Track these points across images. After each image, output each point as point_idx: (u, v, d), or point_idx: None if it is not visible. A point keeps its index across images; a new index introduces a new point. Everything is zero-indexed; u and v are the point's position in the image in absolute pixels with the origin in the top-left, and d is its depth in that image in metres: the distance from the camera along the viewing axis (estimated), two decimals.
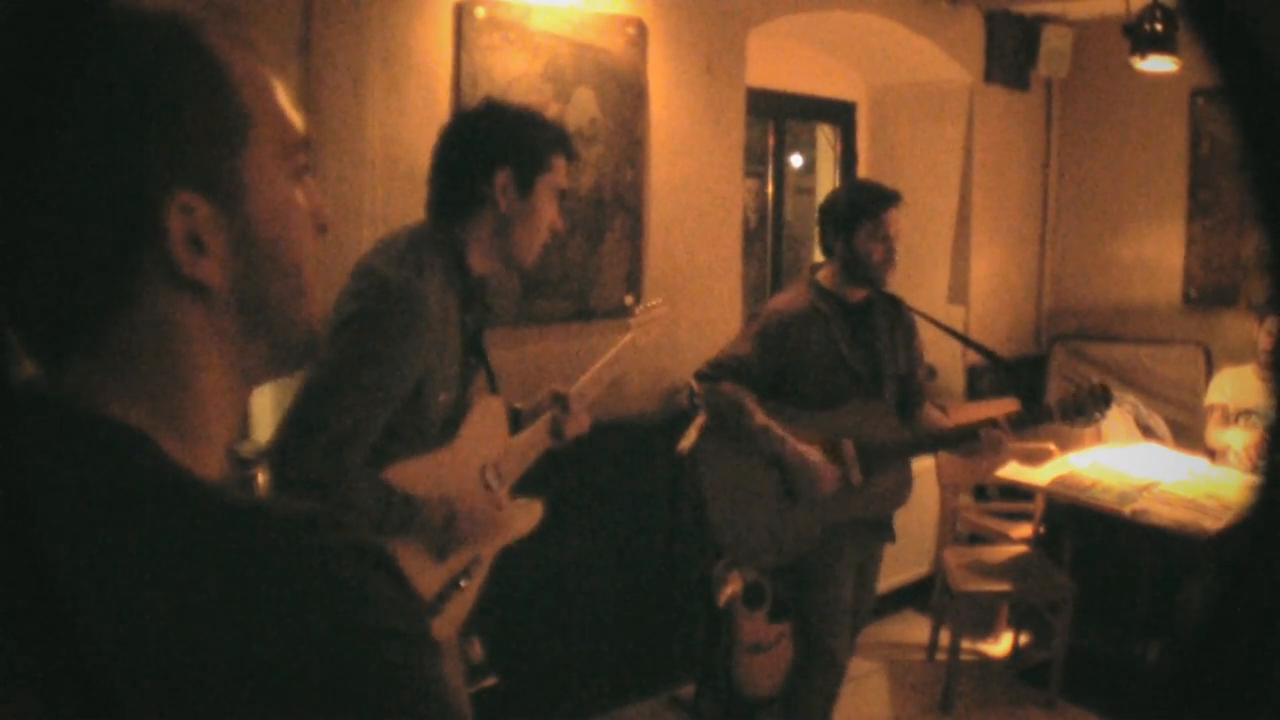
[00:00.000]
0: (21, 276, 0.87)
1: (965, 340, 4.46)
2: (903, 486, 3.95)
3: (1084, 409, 3.83)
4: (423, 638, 0.87)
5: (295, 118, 0.98)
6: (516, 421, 3.01)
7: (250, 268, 0.94)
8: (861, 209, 3.82)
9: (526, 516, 2.98)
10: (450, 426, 2.72)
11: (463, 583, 2.75)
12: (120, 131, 0.85)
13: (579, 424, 3.02)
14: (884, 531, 4.04)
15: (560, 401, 3.01)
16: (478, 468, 2.78)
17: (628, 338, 3.24)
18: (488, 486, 2.78)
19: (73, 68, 0.84)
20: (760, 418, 3.74)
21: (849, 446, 3.80)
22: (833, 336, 3.83)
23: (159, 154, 0.87)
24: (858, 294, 3.90)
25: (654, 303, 3.41)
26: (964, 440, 3.87)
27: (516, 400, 3.11)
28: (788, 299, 3.96)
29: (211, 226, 0.90)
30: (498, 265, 2.77)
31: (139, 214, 0.87)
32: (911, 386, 4.04)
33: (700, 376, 3.92)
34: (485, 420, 2.82)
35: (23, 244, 0.85)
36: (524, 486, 2.98)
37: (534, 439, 2.97)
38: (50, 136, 0.84)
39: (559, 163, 2.76)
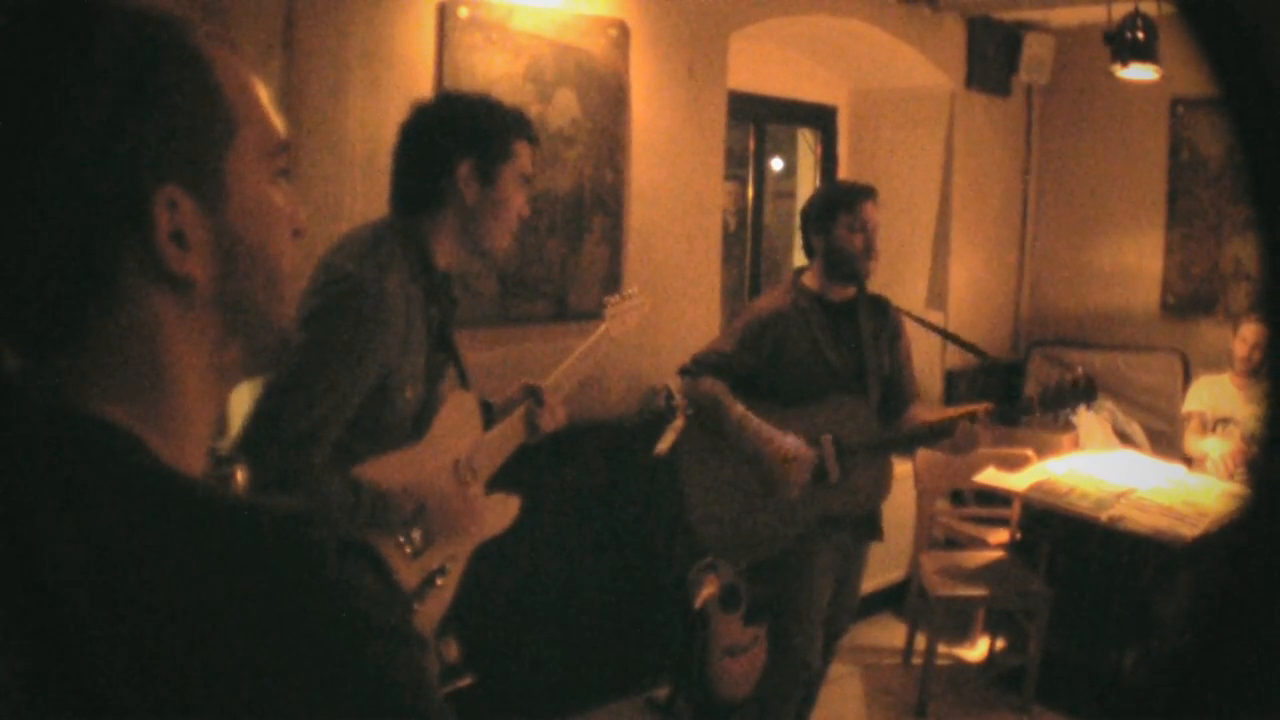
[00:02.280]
0: (8, 270, 0.87)
1: (952, 337, 4.43)
2: (881, 483, 3.96)
3: (1065, 399, 3.79)
4: (409, 633, 0.88)
5: (277, 121, 1.00)
6: (489, 416, 2.99)
7: (231, 266, 0.95)
8: (838, 203, 3.88)
9: (502, 511, 2.95)
10: (421, 422, 2.70)
11: (438, 580, 2.73)
12: (109, 126, 0.86)
13: (554, 417, 2.99)
14: (868, 529, 4.04)
15: (534, 395, 2.99)
16: (450, 462, 2.75)
17: (602, 328, 3.23)
18: (461, 481, 2.76)
19: (63, 64, 0.85)
20: (737, 411, 3.77)
21: (827, 442, 3.81)
22: (814, 334, 3.87)
23: (147, 149, 0.88)
24: (841, 293, 3.93)
25: (630, 292, 3.40)
26: (941, 435, 3.85)
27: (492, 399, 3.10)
28: (770, 299, 4.01)
29: (195, 223, 0.91)
30: (465, 256, 2.75)
31: (126, 206, 0.87)
32: (897, 387, 4.04)
33: (683, 371, 3.96)
34: (457, 415, 2.80)
35: (10, 237, 0.86)
36: (501, 487, 2.97)
37: (508, 433, 2.94)
38: (40, 130, 0.84)
39: (522, 148, 2.73)
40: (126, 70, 0.87)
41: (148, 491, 0.84)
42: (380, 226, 2.67)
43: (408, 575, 2.66)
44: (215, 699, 0.77)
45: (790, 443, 3.74)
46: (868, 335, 3.95)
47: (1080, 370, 3.90)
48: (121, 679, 0.75)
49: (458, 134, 2.66)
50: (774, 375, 3.87)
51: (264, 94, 0.99)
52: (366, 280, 2.49)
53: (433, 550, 2.70)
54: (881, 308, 4.04)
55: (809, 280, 3.95)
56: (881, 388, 3.98)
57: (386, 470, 2.57)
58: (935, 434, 3.89)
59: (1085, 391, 3.80)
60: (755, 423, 3.75)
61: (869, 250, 3.84)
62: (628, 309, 3.31)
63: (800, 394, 3.86)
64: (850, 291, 3.95)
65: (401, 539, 2.61)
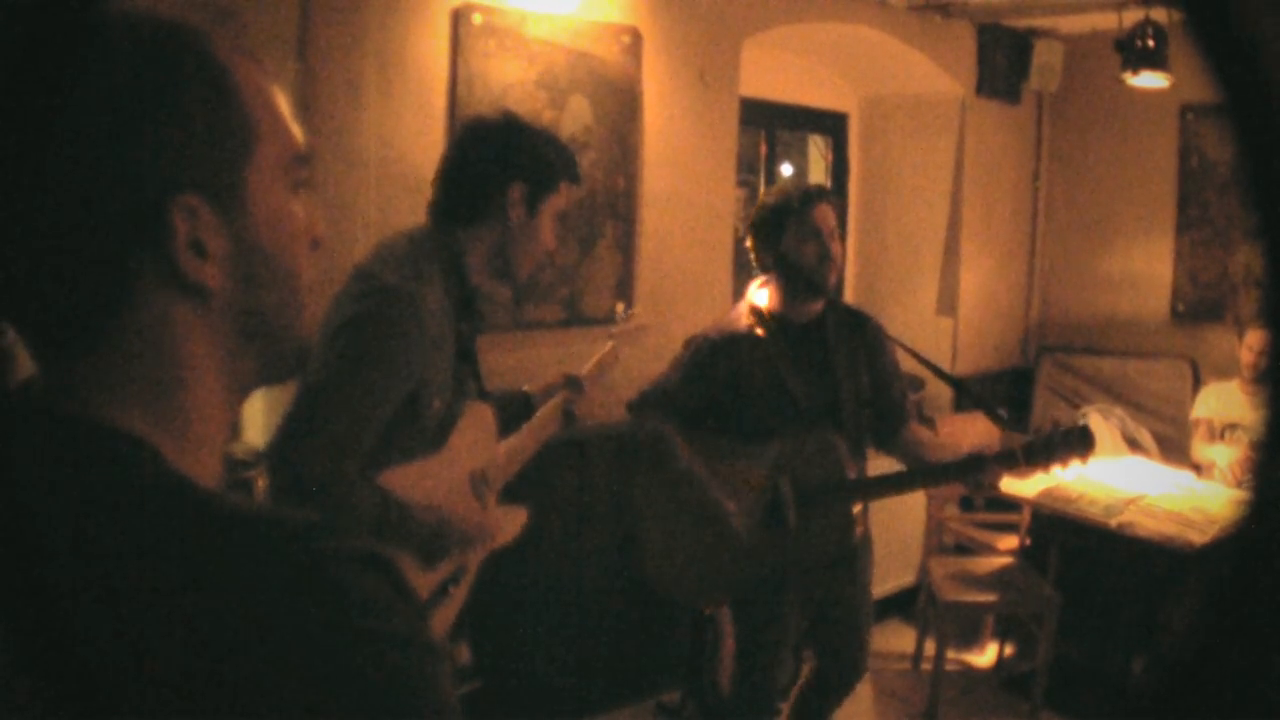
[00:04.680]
0: (26, 275, 0.87)
1: (929, 364, 3.87)
2: (842, 528, 3.46)
3: (1054, 451, 3.25)
4: (425, 641, 0.88)
5: (297, 132, 1.00)
6: (529, 406, 3.06)
7: (248, 275, 0.95)
8: (784, 210, 3.43)
9: (512, 523, 2.98)
10: (441, 433, 2.71)
11: (451, 589, 2.74)
12: (128, 133, 0.86)
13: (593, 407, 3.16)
14: (843, 570, 3.62)
15: (574, 384, 3.11)
16: (467, 475, 2.75)
17: (610, 345, 3.37)
18: (477, 494, 2.77)
19: (83, 72, 0.86)
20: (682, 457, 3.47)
21: (786, 485, 3.39)
22: (773, 362, 3.45)
23: (166, 157, 0.88)
24: (806, 311, 3.50)
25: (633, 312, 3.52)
26: (892, 492, 3.55)
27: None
28: (724, 323, 3.61)
29: (213, 231, 0.91)
30: (491, 276, 2.78)
31: (144, 214, 0.88)
32: (886, 406, 3.60)
33: (629, 407, 3.67)
34: (475, 427, 2.81)
35: (29, 242, 0.86)
36: (511, 491, 2.98)
37: (528, 439, 3.00)
38: (58, 137, 0.85)
39: (565, 188, 2.79)
40: (145, 79, 0.88)
41: (159, 499, 0.85)
42: (416, 237, 2.69)
43: (422, 585, 2.65)
44: (224, 707, 0.77)
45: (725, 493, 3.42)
46: (839, 358, 3.50)
47: (1081, 421, 3.47)
48: (130, 685, 0.76)
49: (516, 156, 2.71)
50: (727, 407, 3.48)
51: (285, 104, 0.99)
52: (406, 292, 2.50)
53: (447, 561, 2.71)
54: (857, 322, 3.59)
55: (768, 300, 3.53)
56: (861, 415, 3.53)
57: (406, 481, 2.57)
58: (898, 487, 3.56)
59: (1079, 444, 3.27)
60: (698, 476, 3.44)
61: (825, 258, 3.39)
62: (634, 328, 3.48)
63: (759, 426, 3.43)
64: (817, 308, 3.50)
65: (418, 550, 2.61)
